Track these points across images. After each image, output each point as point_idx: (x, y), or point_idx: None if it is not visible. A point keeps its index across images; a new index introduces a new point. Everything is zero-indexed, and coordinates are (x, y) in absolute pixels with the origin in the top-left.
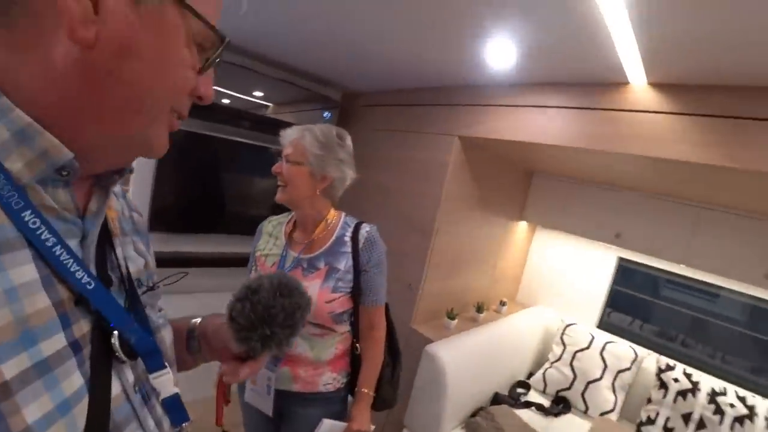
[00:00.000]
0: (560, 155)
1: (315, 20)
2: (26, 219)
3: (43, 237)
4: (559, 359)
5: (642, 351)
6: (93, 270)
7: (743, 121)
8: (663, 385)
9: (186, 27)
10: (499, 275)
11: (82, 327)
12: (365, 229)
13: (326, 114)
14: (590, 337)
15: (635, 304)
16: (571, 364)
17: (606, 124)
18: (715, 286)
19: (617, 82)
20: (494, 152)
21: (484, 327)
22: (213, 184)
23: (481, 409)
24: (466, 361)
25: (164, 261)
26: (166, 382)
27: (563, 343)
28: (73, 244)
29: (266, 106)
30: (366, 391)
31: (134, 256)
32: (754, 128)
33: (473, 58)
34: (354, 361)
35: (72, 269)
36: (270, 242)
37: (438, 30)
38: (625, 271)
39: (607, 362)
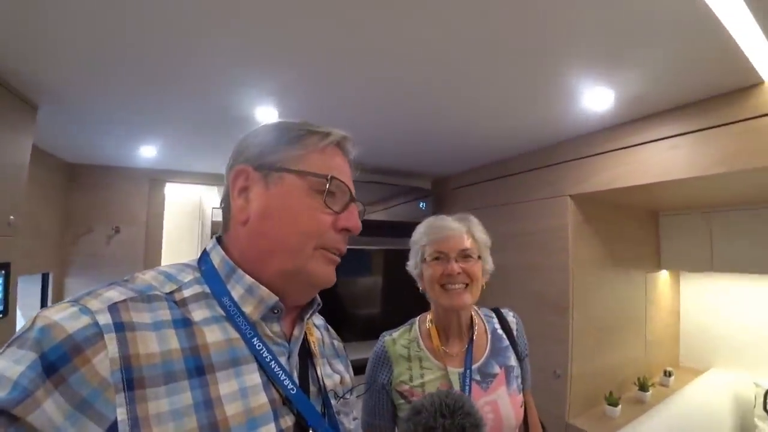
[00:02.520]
0: (693, 186)
1: (402, 123)
2: (254, 343)
3: (264, 355)
4: None
5: None
6: (296, 380)
7: None
8: None
9: (305, 183)
10: (652, 340)
11: (287, 421)
12: (510, 315)
13: (421, 204)
14: None
15: None
16: None
17: (746, 137)
18: None
19: (751, 85)
20: (612, 202)
21: (657, 409)
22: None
23: None
24: None
25: None
26: None
27: None
28: (282, 360)
29: None
30: None
31: (331, 373)
32: None
33: (571, 108)
34: None
35: (281, 377)
36: (414, 368)
37: (530, 93)
38: None
39: None
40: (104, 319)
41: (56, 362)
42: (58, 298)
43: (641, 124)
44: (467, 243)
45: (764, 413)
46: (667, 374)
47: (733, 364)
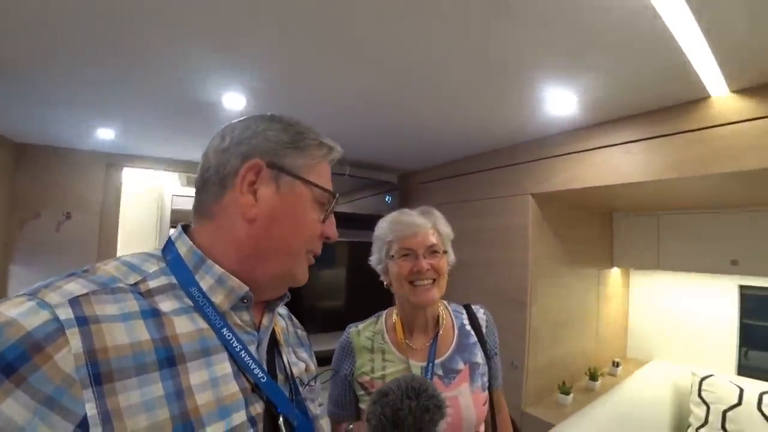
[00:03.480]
0: (644, 190)
1: (370, 118)
2: (224, 333)
3: (233, 344)
4: (705, 424)
5: None
6: (264, 368)
7: None
8: None
9: (310, 194)
10: (603, 333)
11: (257, 408)
12: (481, 311)
13: (387, 198)
14: (737, 390)
15: None
16: (723, 428)
17: (694, 147)
18: None
19: (698, 98)
20: (570, 202)
21: (605, 397)
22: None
23: None
24: None
25: None
26: None
27: (705, 402)
28: (252, 349)
29: None
30: None
31: (296, 361)
32: None
33: (536, 111)
34: None
35: (251, 366)
36: (376, 360)
37: (496, 93)
38: (754, 301)
39: None
40: (65, 313)
41: (14, 362)
42: (1, 287)
43: (599, 129)
44: (434, 239)
45: (699, 399)
46: (615, 365)
47: (673, 356)
